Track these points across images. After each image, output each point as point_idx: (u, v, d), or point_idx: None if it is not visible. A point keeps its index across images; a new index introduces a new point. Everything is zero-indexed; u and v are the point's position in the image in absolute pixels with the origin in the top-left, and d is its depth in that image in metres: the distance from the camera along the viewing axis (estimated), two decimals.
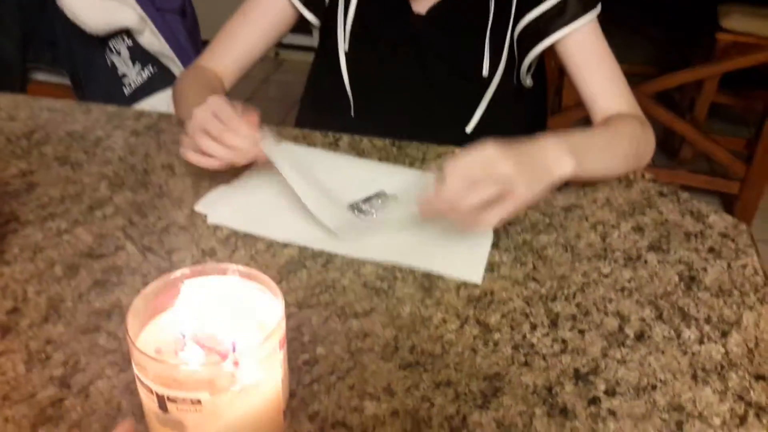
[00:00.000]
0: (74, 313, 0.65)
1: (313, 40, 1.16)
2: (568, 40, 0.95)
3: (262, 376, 0.47)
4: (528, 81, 1.04)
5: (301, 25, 1.08)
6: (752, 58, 2.19)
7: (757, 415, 0.57)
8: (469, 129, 1.01)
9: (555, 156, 0.75)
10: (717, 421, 0.57)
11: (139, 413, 0.53)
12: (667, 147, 2.84)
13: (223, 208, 0.81)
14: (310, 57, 1.14)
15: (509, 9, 0.96)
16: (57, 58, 1.42)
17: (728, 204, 2.51)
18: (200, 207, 0.81)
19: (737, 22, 2.38)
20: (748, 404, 0.58)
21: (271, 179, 0.84)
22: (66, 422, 0.55)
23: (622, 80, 0.97)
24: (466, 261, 0.73)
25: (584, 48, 0.96)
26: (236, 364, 0.44)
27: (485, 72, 0.99)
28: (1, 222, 0.78)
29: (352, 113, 1.05)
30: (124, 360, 0.60)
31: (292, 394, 0.57)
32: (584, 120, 1.01)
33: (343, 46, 1.02)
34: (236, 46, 1.04)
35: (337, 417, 0.56)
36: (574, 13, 0.94)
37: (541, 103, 1.15)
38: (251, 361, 0.45)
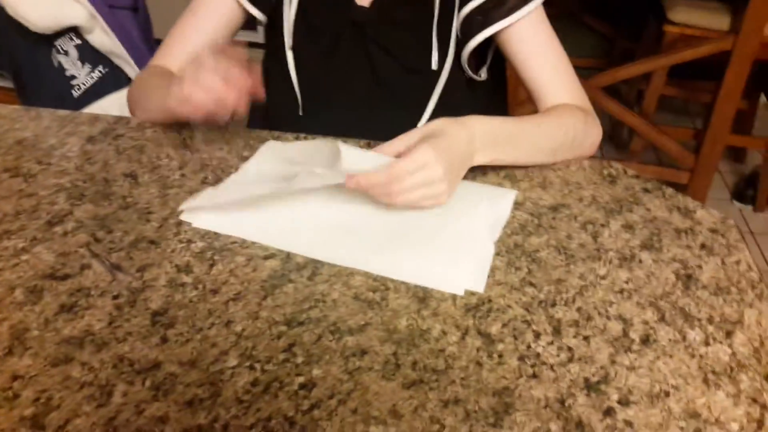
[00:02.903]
0: (42, 343, 0.59)
1: (259, 36, 1.11)
2: (510, 31, 0.92)
3: None
4: (483, 74, 1.01)
5: (247, 22, 1.03)
6: (701, 50, 2.23)
7: None
8: (420, 124, 0.97)
9: (476, 148, 0.80)
10: (735, 426, 0.55)
11: None
12: (617, 139, 2.88)
13: (208, 211, 0.76)
14: (257, 54, 1.09)
15: None
16: None
17: (678, 191, 2.55)
18: (184, 214, 0.76)
19: (684, 15, 2.42)
20: (763, 407, 0.57)
21: (256, 180, 0.80)
22: None
23: (568, 71, 0.95)
24: (466, 274, 0.70)
25: (527, 39, 0.93)
26: None
27: (434, 65, 0.96)
28: None
29: (300, 111, 1.01)
30: (102, 393, 0.55)
31: (291, 422, 0.53)
32: None
33: (288, 42, 0.97)
34: (188, 46, 0.98)
35: None
36: (514, 4, 0.90)
37: (498, 96, 1.12)
38: None
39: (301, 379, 0.57)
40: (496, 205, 0.80)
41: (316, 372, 0.58)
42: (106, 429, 0.52)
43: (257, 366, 0.58)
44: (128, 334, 0.61)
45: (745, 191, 2.57)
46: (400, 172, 0.72)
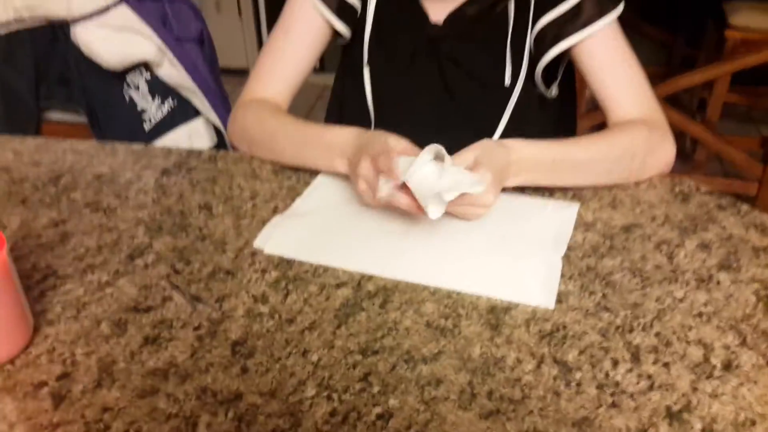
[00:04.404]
0: (128, 376, 0.61)
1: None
2: (583, 45, 0.92)
3: None
4: (554, 90, 1.00)
5: None
6: (765, 54, 2.16)
7: None
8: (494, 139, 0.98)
9: (511, 172, 0.81)
10: None
11: None
12: (679, 150, 2.80)
13: (279, 238, 0.79)
14: (321, 80, 1.11)
15: (528, 13, 0.93)
16: (72, 96, 1.38)
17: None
18: (257, 242, 0.78)
19: (746, 19, 2.36)
20: None
21: (321, 206, 0.84)
22: None
23: (641, 85, 0.93)
24: (536, 286, 0.70)
25: (600, 53, 0.92)
26: None
27: (507, 80, 0.96)
28: (38, 278, 0.74)
29: (372, 127, 1.02)
30: (187, 424, 0.57)
31: None
32: None
33: (365, 58, 0.99)
34: (285, 69, 1.01)
35: None
36: (588, 17, 0.90)
37: (568, 111, 1.11)
38: None
39: (378, 410, 0.58)
40: (557, 216, 0.81)
41: (392, 402, 0.58)
42: None
43: (335, 396, 0.59)
44: (210, 365, 0.62)
45: None
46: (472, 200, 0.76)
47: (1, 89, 1.32)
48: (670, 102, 2.45)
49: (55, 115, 1.43)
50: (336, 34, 1.02)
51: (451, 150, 0.89)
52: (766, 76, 2.57)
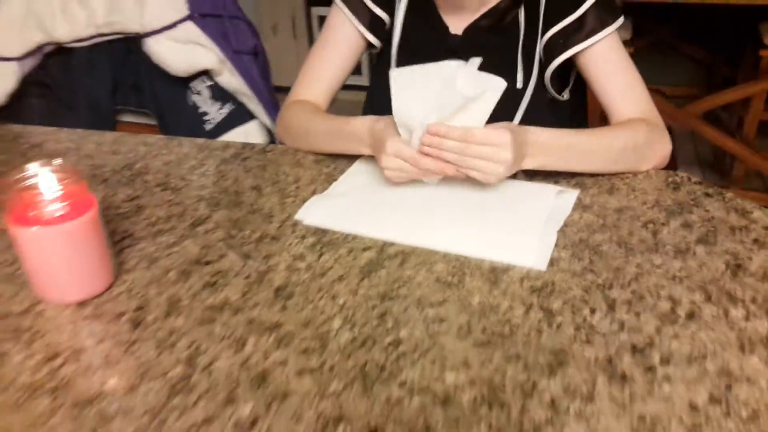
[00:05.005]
0: (191, 309, 0.76)
1: (361, 79, 1.28)
2: (586, 54, 1.05)
3: None
4: (565, 95, 1.12)
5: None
6: None
7: None
8: None
9: (526, 153, 0.93)
10: (764, 383, 0.63)
11: (255, 385, 0.63)
12: (719, 166, 2.86)
13: (317, 212, 0.93)
14: (357, 96, 1.25)
15: (537, 24, 1.06)
16: (142, 101, 1.58)
17: None
18: (299, 215, 0.93)
19: None
20: None
21: (351, 189, 0.99)
22: (194, 394, 0.65)
23: (639, 88, 1.05)
24: (531, 251, 0.82)
25: (601, 61, 1.05)
26: None
27: (519, 84, 1.08)
28: (117, 239, 0.90)
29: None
30: (237, 343, 0.70)
31: (381, 368, 0.66)
32: None
33: (393, 66, 1.13)
34: (324, 75, 1.17)
35: (422, 384, 0.65)
36: (591, 29, 1.03)
37: (579, 116, 1.23)
38: None
39: (390, 338, 0.71)
40: (559, 198, 0.93)
41: (402, 333, 0.71)
42: (241, 368, 0.67)
43: (356, 329, 0.72)
44: (256, 303, 0.76)
45: None
46: (477, 137, 0.88)
47: (84, 95, 1.52)
48: (711, 120, 2.52)
49: (128, 118, 1.63)
50: (369, 43, 1.17)
51: None
52: None
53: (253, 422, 0.61)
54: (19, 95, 1.52)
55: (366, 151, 1.01)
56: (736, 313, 0.72)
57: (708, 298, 0.75)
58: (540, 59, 1.08)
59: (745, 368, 0.65)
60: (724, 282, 0.77)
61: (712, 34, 3.05)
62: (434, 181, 0.94)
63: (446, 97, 0.90)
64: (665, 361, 0.66)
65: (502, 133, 0.87)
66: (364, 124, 1.00)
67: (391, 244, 0.86)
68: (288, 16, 3.63)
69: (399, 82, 0.93)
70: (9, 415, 0.63)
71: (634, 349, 0.68)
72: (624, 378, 0.64)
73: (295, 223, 0.92)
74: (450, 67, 0.94)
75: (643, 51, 2.75)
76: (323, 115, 1.12)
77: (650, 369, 0.65)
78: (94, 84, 1.53)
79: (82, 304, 0.77)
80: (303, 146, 1.13)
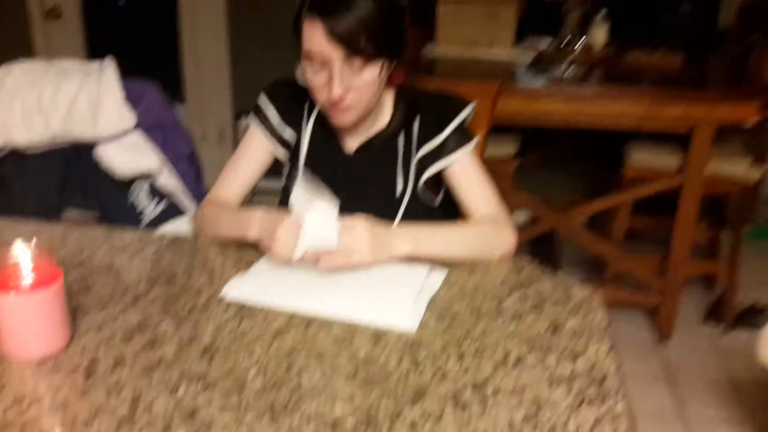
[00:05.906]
0: (134, 364, 0.95)
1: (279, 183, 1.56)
2: (449, 169, 1.37)
3: None
4: (437, 202, 1.43)
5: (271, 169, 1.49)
6: (650, 187, 2.63)
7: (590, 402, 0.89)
8: None
9: (398, 241, 1.19)
10: (563, 404, 0.88)
11: (186, 419, 0.83)
12: (596, 265, 3.21)
13: (238, 289, 1.15)
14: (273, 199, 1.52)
15: (411, 146, 1.37)
16: (87, 200, 1.77)
17: (651, 314, 2.86)
18: (223, 292, 1.14)
19: (640, 158, 2.82)
20: (582, 395, 0.90)
21: (270, 268, 1.22)
22: (137, 426, 0.84)
23: (490, 194, 1.37)
24: (407, 316, 1.07)
25: (460, 174, 1.37)
26: None
27: (398, 194, 1.37)
28: (71, 310, 1.09)
29: None
30: (172, 389, 0.90)
31: (285, 404, 0.88)
32: None
33: (301, 173, 1.40)
34: (237, 179, 1.44)
35: (318, 413, 0.86)
36: (450, 150, 1.35)
37: (451, 218, 1.52)
38: None
39: (293, 383, 0.92)
40: (432, 276, 1.19)
41: (304, 378, 0.93)
42: (174, 407, 0.87)
43: (267, 376, 0.93)
44: (187, 359, 0.97)
45: (714, 314, 2.87)
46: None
47: (35, 193, 1.71)
48: (595, 227, 2.89)
49: (72, 214, 1.81)
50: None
51: None
52: (667, 204, 3.00)
53: None
54: None
55: (252, 234, 1.25)
56: (551, 360, 0.98)
57: (531, 349, 1.00)
58: (414, 173, 1.37)
59: (551, 398, 0.90)
60: (545, 338, 1.03)
61: (592, 153, 3.50)
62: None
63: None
64: (496, 393, 0.91)
65: (356, 221, 1.16)
66: (257, 211, 1.26)
67: (297, 314, 1.09)
68: (216, 126, 3.98)
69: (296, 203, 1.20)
70: None
71: (474, 386, 0.92)
72: (465, 406, 0.88)
73: (221, 299, 1.13)
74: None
75: (531, 165, 3.14)
76: (225, 207, 1.39)
77: (484, 399, 0.90)
78: (45, 184, 1.72)
79: (43, 360, 0.96)
80: (210, 233, 1.37)
